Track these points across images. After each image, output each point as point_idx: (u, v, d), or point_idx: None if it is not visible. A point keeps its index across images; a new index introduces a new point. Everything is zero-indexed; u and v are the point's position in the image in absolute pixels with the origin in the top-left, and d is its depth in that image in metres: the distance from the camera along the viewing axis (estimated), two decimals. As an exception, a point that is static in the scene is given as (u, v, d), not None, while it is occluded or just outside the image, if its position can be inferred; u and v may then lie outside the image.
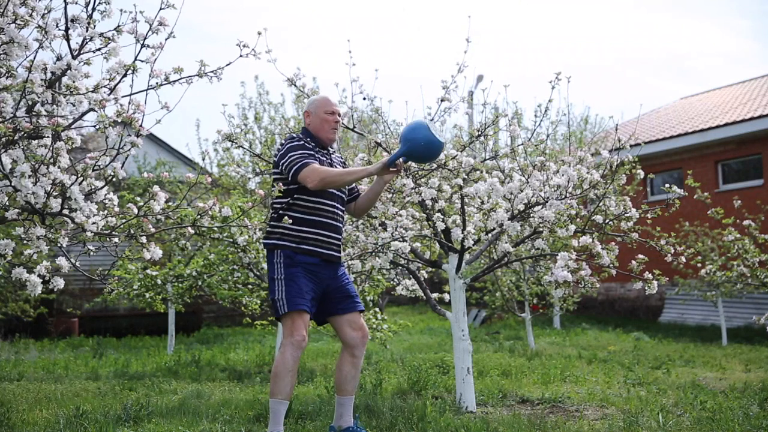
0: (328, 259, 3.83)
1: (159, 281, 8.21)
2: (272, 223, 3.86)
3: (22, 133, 2.91)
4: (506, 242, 4.98)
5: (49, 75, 3.00)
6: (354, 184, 4.10)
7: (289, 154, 3.77)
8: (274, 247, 3.79)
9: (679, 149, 14.26)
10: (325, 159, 3.92)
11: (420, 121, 3.87)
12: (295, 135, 3.99)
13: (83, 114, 3.07)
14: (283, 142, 3.95)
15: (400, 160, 3.86)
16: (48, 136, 2.99)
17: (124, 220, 3.20)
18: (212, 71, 3.24)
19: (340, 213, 3.95)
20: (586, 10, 49.50)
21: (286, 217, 3.62)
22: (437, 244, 5.18)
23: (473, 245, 4.92)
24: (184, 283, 8.31)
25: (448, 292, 5.15)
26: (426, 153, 3.84)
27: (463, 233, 4.77)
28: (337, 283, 3.88)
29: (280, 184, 3.56)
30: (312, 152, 3.83)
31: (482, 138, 5.08)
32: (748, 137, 13.19)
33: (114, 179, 3.09)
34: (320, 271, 3.80)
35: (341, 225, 3.96)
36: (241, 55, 3.39)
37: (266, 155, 5.67)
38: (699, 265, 8.91)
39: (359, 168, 3.90)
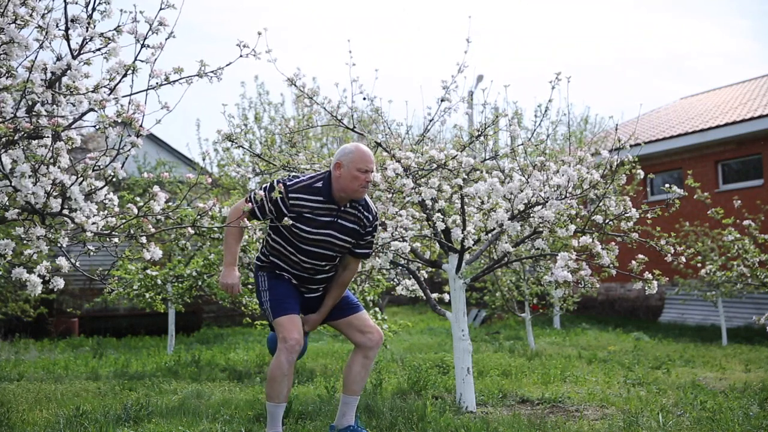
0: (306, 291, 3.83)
1: (159, 281, 8.21)
2: (261, 249, 3.87)
3: (22, 133, 2.91)
4: (506, 242, 4.98)
5: (49, 75, 3.00)
6: (362, 250, 3.81)
7: (263, 186, 3.74)
8: (257, 269, 3.85)
9: (679, 149, 14.26)
10: (325, 218, 3.63)
11: None
12: (291, 178, 3.69)
13: (83, 114, 3.07)
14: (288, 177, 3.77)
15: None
16: (48, 136, 2.99)
17: (124, 221, 3.20)
18: (212, 71, 3.25)
19: (323, 268, 3.75)
20: (586, 10, 49.53)
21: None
22: (437, 244, 5.18)
23: (473, 245, 4.92)
24: (184, 283, 8.31)
25: (448, 292, 5.15)
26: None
27: (463, 233, 4.77)
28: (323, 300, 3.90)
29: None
30: (265, 204, 3.58)
31: (482, 138, 5.09)
32: (748, 137, 13.19)
33: (114, 179, 3.09)
34: (302, 285, 3.83)
35: (322, 276, 3.79)
36: (241, 55, 3.39)
37: (266, 155, 5.67)
38: (699, 265, 8.91)
39: (229, 253, 3.68)
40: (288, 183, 3.63)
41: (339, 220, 3.67)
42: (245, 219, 3.61)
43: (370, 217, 3.77)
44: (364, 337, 3.81)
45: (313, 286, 3.81)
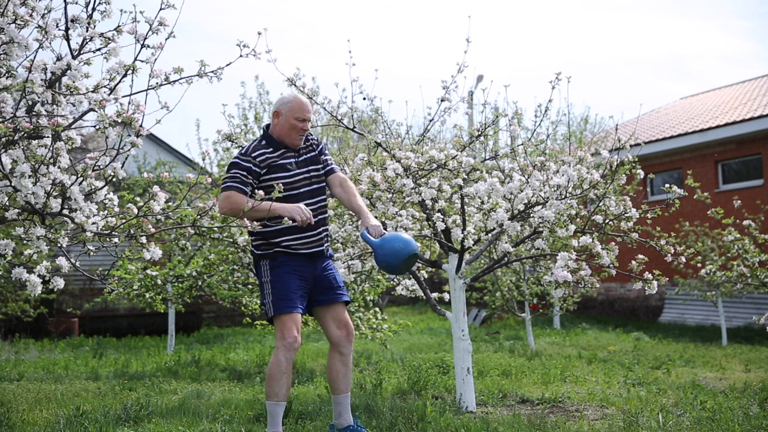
0: (312, 255, 3.81)
1: (159, 281, 8.21)
2: (254, 233, 3.80)
3: (22, 133, 2.91)
4: (506, 242, 4.98)
5: (49, 75, 3.00)
6: (330, 165, 3.97)
7: (225, 174, 3.75)
8: (259, 257, 3.81)
9: (679, 149, 14.26)
10: (288, 160, 3.81)
11: (405, 250, 3.67)
12: (241, 150, 3.84)
13: (83, 114, 3.07)
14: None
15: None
16: (48, 136, 2.99)
17: (124, 220, 3.20)
18: (212, 71, 3.24)
19: (316, 206, 3.84)
20: (586, 10, 49.53)
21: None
22: (437, 244, 5.18)
23: (473, 245, 4.92)
24: (184, 283, 8.31)
25: (448, 292, 5.15)
26: (381, 265, 3.74)
27: (463, 233, 4.77)
28: (320, 275, 3.85)
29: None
30: (241, 175, 3.68)
31: (482, 138, 5.09)
32: (748, 137, 13.19)
33: (114, 179, 3.09)
34: (306, 265, 3.78)
35: (320, 217, 3.85)
36: (241, 55, 3.39)
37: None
38: (699, 265, 8.90)
39: (263, 205, 3.57)
40: (244, 151, 3.81)
41: (299, 158, 3.86)
42: (245, 220, 3.61)
43: (315, 140, 4.00)
44: (338, 332, 3.84)
45: (317, 231, 3.81)
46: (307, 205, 3.76)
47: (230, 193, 3.65)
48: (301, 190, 3.80)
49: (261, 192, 3.48)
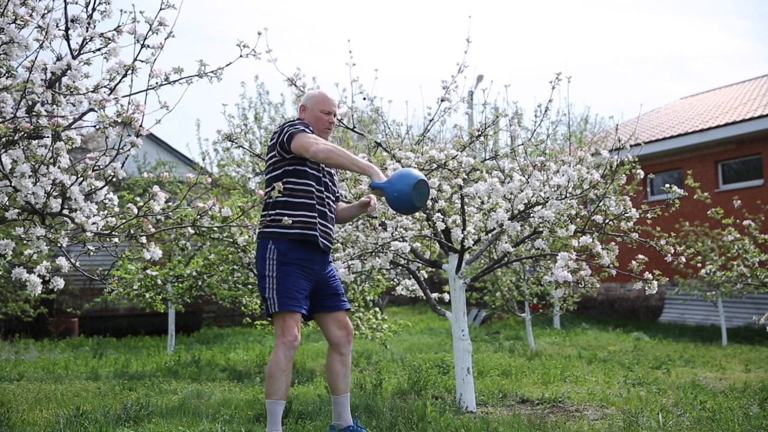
0: (325, 250, 3.79)
1: (159, 281, 8.21)
2: (271, 205, 3.70)
3: (22, 133, 2.91)
4: (506, 242, 4.98)
5: (49, 75, 3.00)
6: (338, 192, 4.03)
7: (290, 128, 3.69)
8: (266, 236, 3.70)
9: (679, 149, 14.26)
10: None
11: (413, 176, 3.59)
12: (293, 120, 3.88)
13: (83, 114, 3.07)
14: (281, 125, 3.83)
15: (373, 198, 3.85)
16: (48, 136, 2.99)
17: (124, 220, 3.20)
18: (212, 71, 3.25)
19: (333, 202, 3.90)
20: (586, 10, 49.53)
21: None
22: (437, 244, 5.18)
23: (473, 245, 4.92)
24: (184, 283, 8.31)
25: (448, 292, 5.15)
26: (394, 202, 3.61)
27: (463, 233, 4.77)
28: (325, 278, 3.84)
29: (280, 184, 3.55)
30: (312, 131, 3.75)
31: (482, 138, 5.08)
32: (748, 137, 13.19)
33: (114, 179, 3.09)
34: (314, 266, 3.74)
35: (335, 218, 3.93)
36: (241, 55, 3.39)
37: (266, 155, 5.67)
38: (699, 265, 8.91)
39: (359, 160, 3.64)
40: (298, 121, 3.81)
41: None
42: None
43: None
44: (338, 332, 3.85)
45: (331, 225, 3.83)
46: (329, 196, 3.82)
47: (318, 138, 3.65)
48: (331, 179, 3.86)
49: (280, 184, 3.49)
